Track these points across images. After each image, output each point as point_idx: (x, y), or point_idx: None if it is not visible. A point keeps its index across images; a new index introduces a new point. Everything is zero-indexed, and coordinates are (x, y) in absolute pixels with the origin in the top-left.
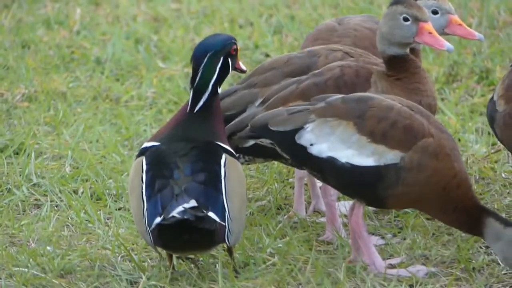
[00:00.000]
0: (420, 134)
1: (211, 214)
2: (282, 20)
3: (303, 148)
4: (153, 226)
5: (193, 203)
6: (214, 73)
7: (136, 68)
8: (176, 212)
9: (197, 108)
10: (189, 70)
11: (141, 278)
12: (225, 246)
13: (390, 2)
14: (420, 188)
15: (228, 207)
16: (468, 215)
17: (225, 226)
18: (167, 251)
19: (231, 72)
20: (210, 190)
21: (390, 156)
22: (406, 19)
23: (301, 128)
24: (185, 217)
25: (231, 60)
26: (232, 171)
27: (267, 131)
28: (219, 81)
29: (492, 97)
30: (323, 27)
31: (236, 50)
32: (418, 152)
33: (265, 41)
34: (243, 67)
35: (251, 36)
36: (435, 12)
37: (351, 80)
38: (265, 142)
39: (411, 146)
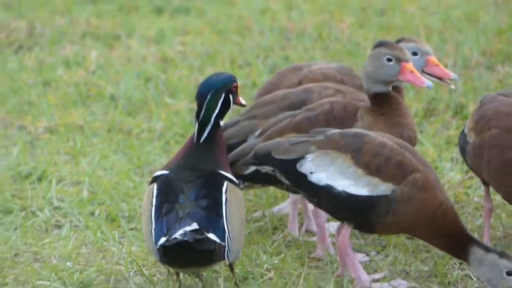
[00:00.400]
0: (410, 170)
1: (211, 235)
2: (277, 60)
3: (303, 176)
4: (158, 246)
5: (194, 226)
6: (216, 107)
7: (146, 104)
8: (178, 234)
9: (202, 139)
10: (194, 106)
11: None
12: (226, 263)
13: (374, 44)
14: (409, 218)
15: (228, 229)
16: (456, 241)
17: (225, 246)
18: (172, 268)
19: (232, 106)
20: (211, 214)
21: (383, 188)
22: (389, 60)
23: (302, 157)
24: (185, 239)
25: (232, 96)
26: (233, 197)
27: (270, 159)
28: (221, 115)
29: (463, 130)
30: (292, 66)
31: (236, 87)
32: (408, 185)
33: (262, 80)
34: (243, 102)
35: (249, 75)
36: (415, 54)
37: (339, 115)
38: (266, 169)
39: (402, 180)
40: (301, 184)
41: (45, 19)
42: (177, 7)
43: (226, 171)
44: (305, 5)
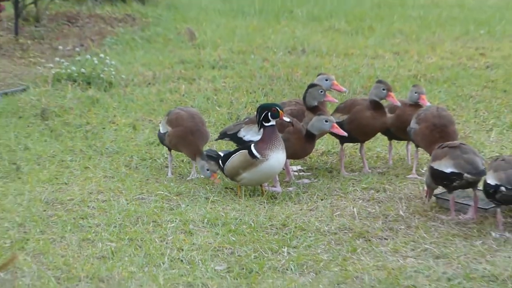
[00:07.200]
0: (286, 127)
1: (220, 162)
2: (267, 90)
3: (241, 138)
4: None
5: (221, 154)
6: (261, 116)
7: (207, 110)
8: (214, 153)
9: (258, 130)
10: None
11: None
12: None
13: (311, 83)
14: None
15: (226, 162)
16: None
17: (222, 167)
18: None
19: (277, 119)
20: (228, 155)
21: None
22: (321, 91)
23: (239, 130)
24: (213, 155)
25: (271, 113)
26: (239, 155)
27: (225, 134)
28: (265, 121)
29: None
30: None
31: (276, 110)
32: (286, 133)
33: (260, 99)
34: (286, 119)
35: (254, 97)
36: (326, 80)
37: (298, 113)
38: (225, 138)
39: (282, 131)
40: (240, 142)
41: (160, 70)
42: (222, 65)
43: (256, 147)
44: (281, 64)
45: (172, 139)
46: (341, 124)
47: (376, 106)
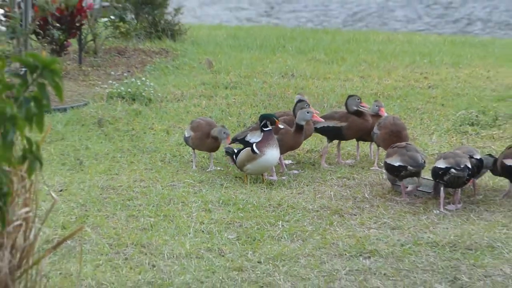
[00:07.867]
0: (277, 131)
1: (234, 156)
2: (267, 105)
3: (247, 141)
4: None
5: (235, 151)
6: (261, 123)
7: (221, 119)
8: (230, 150)
9: (261, 132)
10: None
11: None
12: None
13: (298, 99)
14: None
15: (238, 156)
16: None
17: (235, 159)
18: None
19: (272, 126)
20: (239, 152)
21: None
22: (306, 105)
23: (246, 135)
24: (227, 150)
25: (270, 121)
26: (244, 151)
27: (236, 139)
28: (264, 127)
29: (332, 126)
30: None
31: (274, 120)
32: (281, 134)
33: (262, 111)
34: (281, 126)
35: (257, 110)
36: (301, 100)
37: (289, 122)
38: (236, 142)
39: (276, 133)
40: (247, 144)
41: (187, 89)
42: (232, 86)
43: (256, 146)
44: (276, 86)
45: (194, 141)
46: (339, 129)
47: (360, 113)
